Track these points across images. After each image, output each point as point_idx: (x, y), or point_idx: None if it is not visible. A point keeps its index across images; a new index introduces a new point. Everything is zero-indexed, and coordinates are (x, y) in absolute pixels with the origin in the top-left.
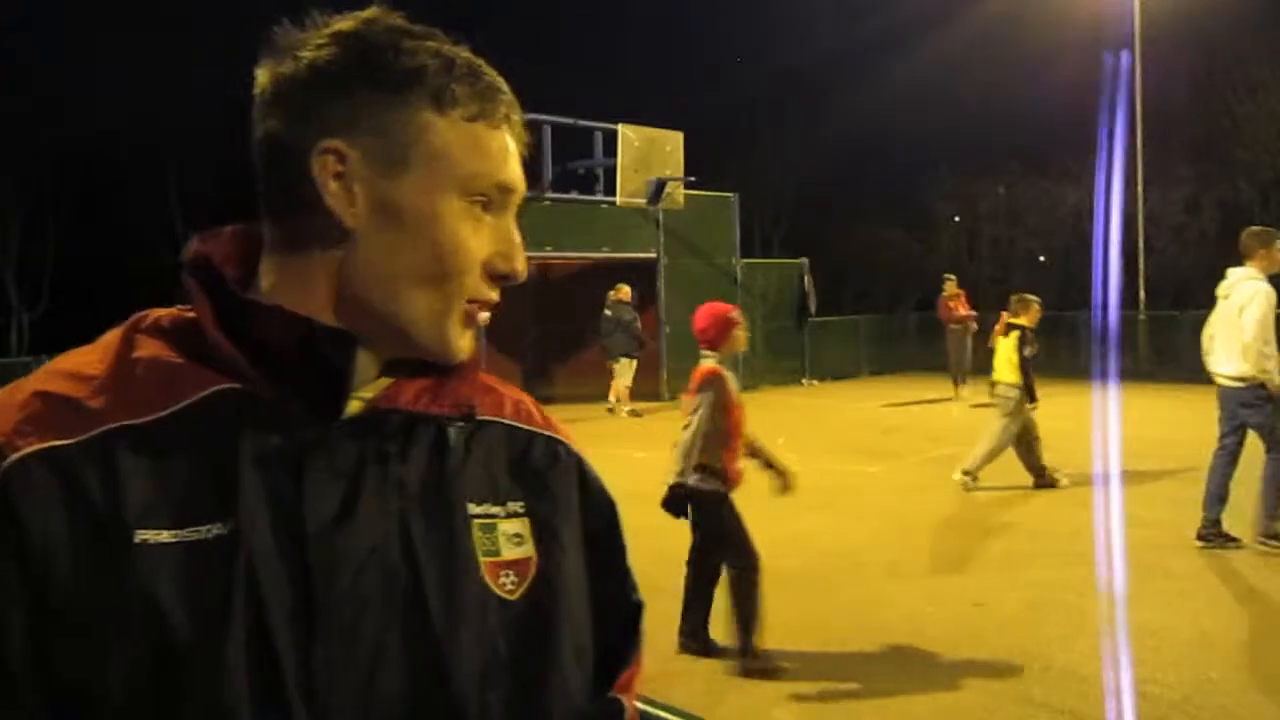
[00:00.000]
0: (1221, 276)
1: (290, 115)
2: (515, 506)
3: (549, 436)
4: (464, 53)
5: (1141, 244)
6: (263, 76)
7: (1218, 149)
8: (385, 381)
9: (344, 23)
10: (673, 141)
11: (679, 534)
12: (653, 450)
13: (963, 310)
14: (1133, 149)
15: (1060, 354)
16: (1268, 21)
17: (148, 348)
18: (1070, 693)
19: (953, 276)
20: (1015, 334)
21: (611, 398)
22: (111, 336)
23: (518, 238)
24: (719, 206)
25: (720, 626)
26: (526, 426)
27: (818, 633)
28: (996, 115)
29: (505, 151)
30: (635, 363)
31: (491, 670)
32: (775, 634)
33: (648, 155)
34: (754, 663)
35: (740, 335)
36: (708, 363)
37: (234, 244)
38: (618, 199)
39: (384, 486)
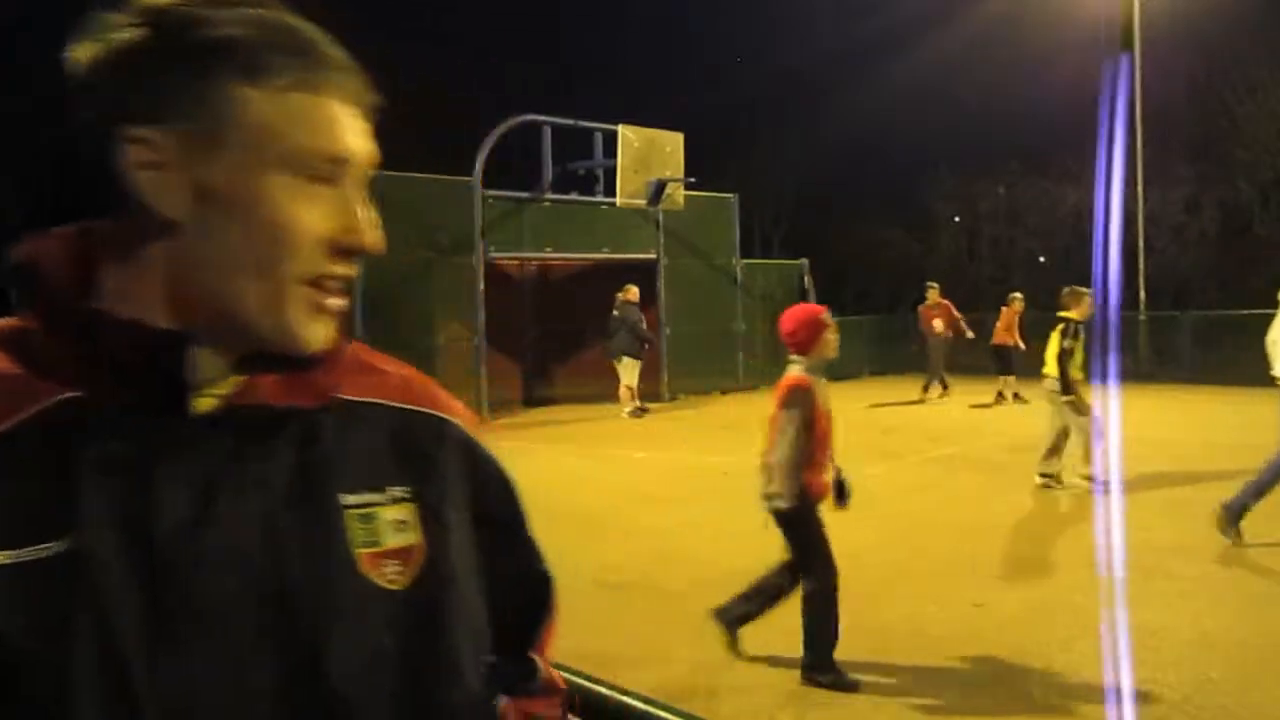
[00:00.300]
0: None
1: (99, 103)
2: (399, 492)
3: (435, 416)
4: (286, 16)
5: (1142, 244)
6: (71, 63)
7: (1217, 149)
8: (240, 378)
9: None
10: (673, 142)
11: (679, 534)
12: (653, 450)
13: (939, 324)
14: (1132, 149)
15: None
16: (1267, 22)
17: None
18: (1071, 693)
19: (935, 285)
20: (1061, 325)
21: (624, 398)
22: None
23: (363, 209)
24: (719, 207)
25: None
26: (413, 407)
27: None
28: (996, 115)
29: (332, 120)
30: (639, 363)
31: (375, 663)
32: (775, 634)
33: (648, 156)
34: (824, 677)
35: (831, 339)
36: (795, 370)
37: (70, 244)
38: (618, 200)
39: (244, 485)
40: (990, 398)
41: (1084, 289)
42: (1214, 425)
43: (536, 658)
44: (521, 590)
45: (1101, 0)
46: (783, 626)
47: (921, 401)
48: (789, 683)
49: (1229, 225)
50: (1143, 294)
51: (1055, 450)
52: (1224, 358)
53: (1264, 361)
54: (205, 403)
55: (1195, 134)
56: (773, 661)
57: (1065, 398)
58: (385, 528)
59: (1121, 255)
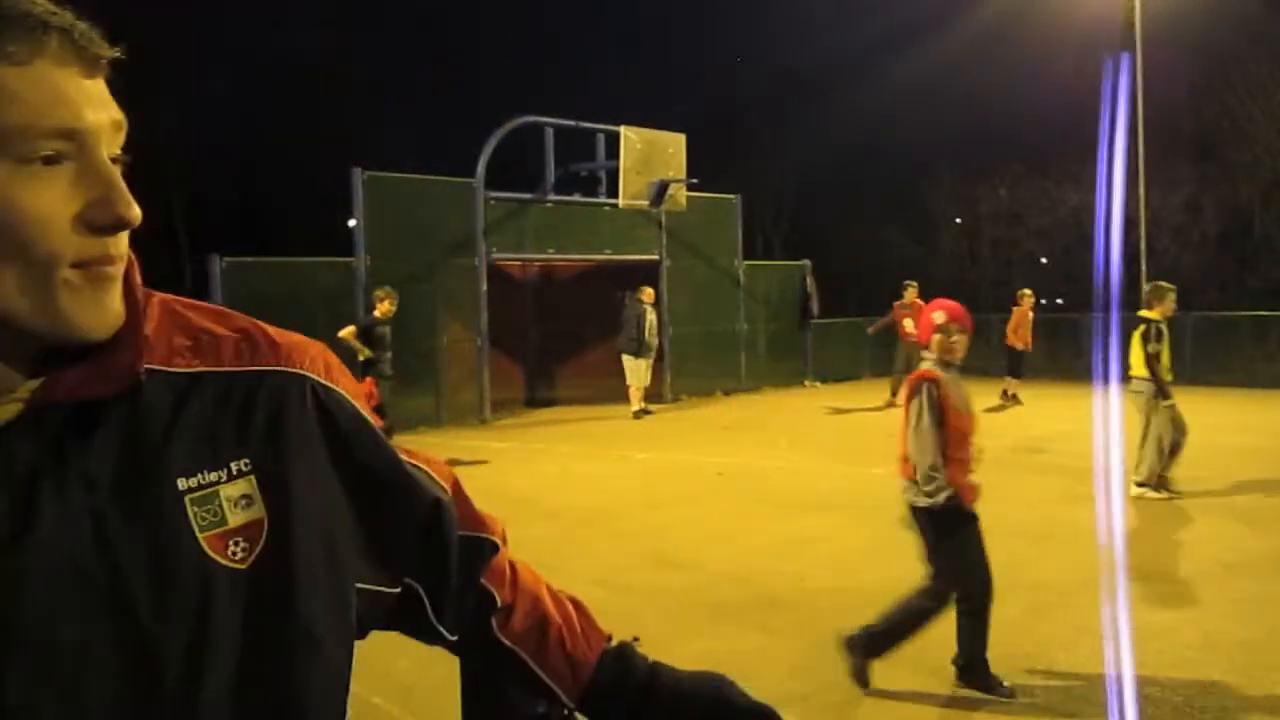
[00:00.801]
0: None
1: None
2: (240, 465)
3: (277, 373)
4: None
5: (1144, 245)
6: None
7: (1218, 150)
8: (36, 382)
9: None
10: (675, 143)
11: (679, 535)
12: (654, 451)
13: (910, 324)
14: (1134, 150)
15: (1062, 356)
16: (1268, 22)
17: None
18: (1073, 695)
19: (914, 284)
20: (1142, 327)
21: (632, 398)
22: None
23: (115, 179)
24: (721, 208)
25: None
26: (250, 368)
27: (818, 634)
28: (997, 117)
29: (46, 87)
30: (642, 363)
31: (223, 648)
32: (779, 636)
33: (650, 157)
34: (977, 681)
35: (948, 341)
36: (924, 364)
37: None
38: (620, 201)
39: (65, 486)
40: (996, 399)
41: (1167, 285)
42: (1215, 427)
43: (486, 583)
44: (421, 521)
45: (1102, 1)
46: (785, 628)
47: (892, 405)
48: (791, 684)
49: (1230, 227)
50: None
51: (1171, 453)
52: (1224, 359)
53: (1266, 363)
54: (8, 410)
55: (1196, 135)
56: (781, 659)
57: (1165, 402)
58: (228, 506)
59: (1123, 256)
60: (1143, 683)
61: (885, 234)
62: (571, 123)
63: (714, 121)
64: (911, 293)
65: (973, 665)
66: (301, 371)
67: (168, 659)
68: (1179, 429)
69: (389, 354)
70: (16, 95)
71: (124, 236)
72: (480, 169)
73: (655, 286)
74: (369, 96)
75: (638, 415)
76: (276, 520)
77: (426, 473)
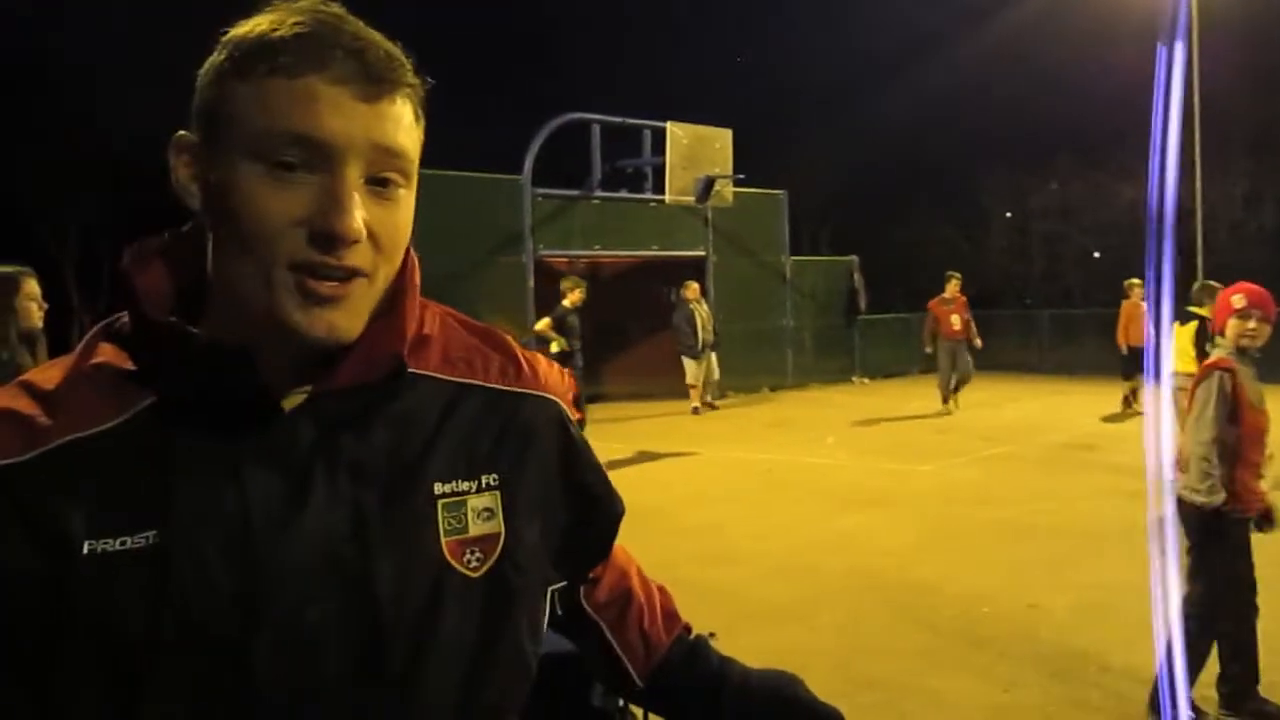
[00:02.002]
0: None
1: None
2: (489, 479)
3: (534, 397)
4: (303, 8)
5: (1200, 239)
6: None
7: (1277, 142)
8: (319, 373)
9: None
10: (721, 139)
11: (726, 531)
12: (701, 448)
13: (957, 321)
14: (1189, 143)
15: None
16: None
17: (103, 354)
18: (1127, 697)
19: (957, 276)
20: (1194, 324)
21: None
22: (81, 344)
23: (344, 197)
24: (768, 204)
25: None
26: (513, 389)
27: (868, 632)
28: (1048, 109)
29: (308, 101)
30: (694, 361)
31: (446, 647)
32: (824, 633)
33: (696, 153)
34: (1248, 706)
35: (1244, 327)
36: (1217, 352)
37: (160, 252)
38: (666, 197)
39: (335, 473)
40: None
41: (1216, 284)
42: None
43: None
44: (602, 538)
45: None
46: (833, 625)
47: (948, 412)
48: (839, 682)
49: None
50: None
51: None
52: None
53: None
54: (295, 399)
55: (1253, 127)
56: (827, 655)
57: None
58: (471, 515)
59: (1179, 251)
60: (1201, 684)
61: (933, 229)
62: (618, 119)
63: (761, 116)
64: (954, 285)
65: (1235, 691)
66: (554, 397)
67: (397, 649)
68: None
69: (579, 343)
70: (274, 104)
71: (359, 254)
72: (527, 166)
73: (701, 283)
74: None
75: (695, 411)
76: (511, 538)
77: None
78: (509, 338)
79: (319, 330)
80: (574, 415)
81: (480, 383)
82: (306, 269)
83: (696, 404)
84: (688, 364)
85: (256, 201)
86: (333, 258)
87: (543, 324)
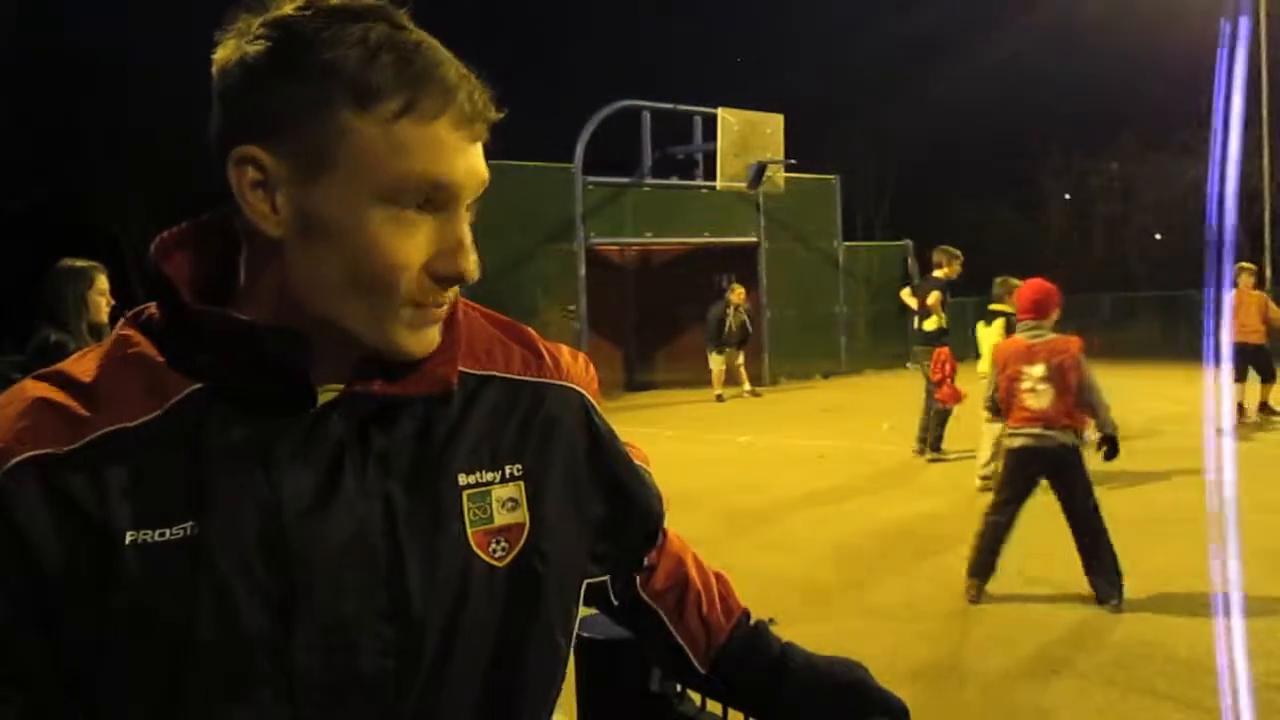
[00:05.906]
0: None
1: (225, 113)
2: (513, 469)
3: (557, 387)
4: (403, 34)
5: (1268, 219)
6: (214, 62)
7: None
8: (349, 381)
9: (283, 7)
10: (772, 124)
11: (779, 517)
12: (753, 434)
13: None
14: (1255, 120)
15: (1178, 335)
16: None
17: (138, 346)
18: (1196, 685)
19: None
20: (1000, 321)
21: (745, 385)
22: (111, 336)
23: (465, 237)
24: (820, 189)
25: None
26: (535, 379)
27: (917, 620)
28: (1108, 87)
29: (439, 147)
30: (721, 357)
31: (474, 637)
32: (877, 620)
33: (747, 138)
34: None
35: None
36: None
37: (208, 237)
38: (718, 183)
39: (365, 465)
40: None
41: (1016, 280)
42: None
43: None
44: (641, 528)
45: None
46: (889, 610)
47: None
48: (889, 666)
49: None
50: (1269, 271)
51: None
52: None
53: None
54: (328, 395)
55: None
56: (879, 641)
57: None
58: (497, 505)
59: (1245, 233)
60: (1270, 674)
61: (990, 212)
62: (668, 105)
63: (813, 100)
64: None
65: None
66: (577, 387)
67: (428, 639)
68: None
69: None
70: (410, 148)
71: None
72: (578, 154)
73: (754, 269)
74: None
75: (720, 399)
76: (536, 527)
77: (647, 470)
78: (526, 328)
79: (423, 350)
80: (598, 404)
81: (502, 374)
82: (424, 305)
83: (719, 391)
84: (710, 355)
85: (385, 244)
86: (448, 293)
87: (933, 298)
